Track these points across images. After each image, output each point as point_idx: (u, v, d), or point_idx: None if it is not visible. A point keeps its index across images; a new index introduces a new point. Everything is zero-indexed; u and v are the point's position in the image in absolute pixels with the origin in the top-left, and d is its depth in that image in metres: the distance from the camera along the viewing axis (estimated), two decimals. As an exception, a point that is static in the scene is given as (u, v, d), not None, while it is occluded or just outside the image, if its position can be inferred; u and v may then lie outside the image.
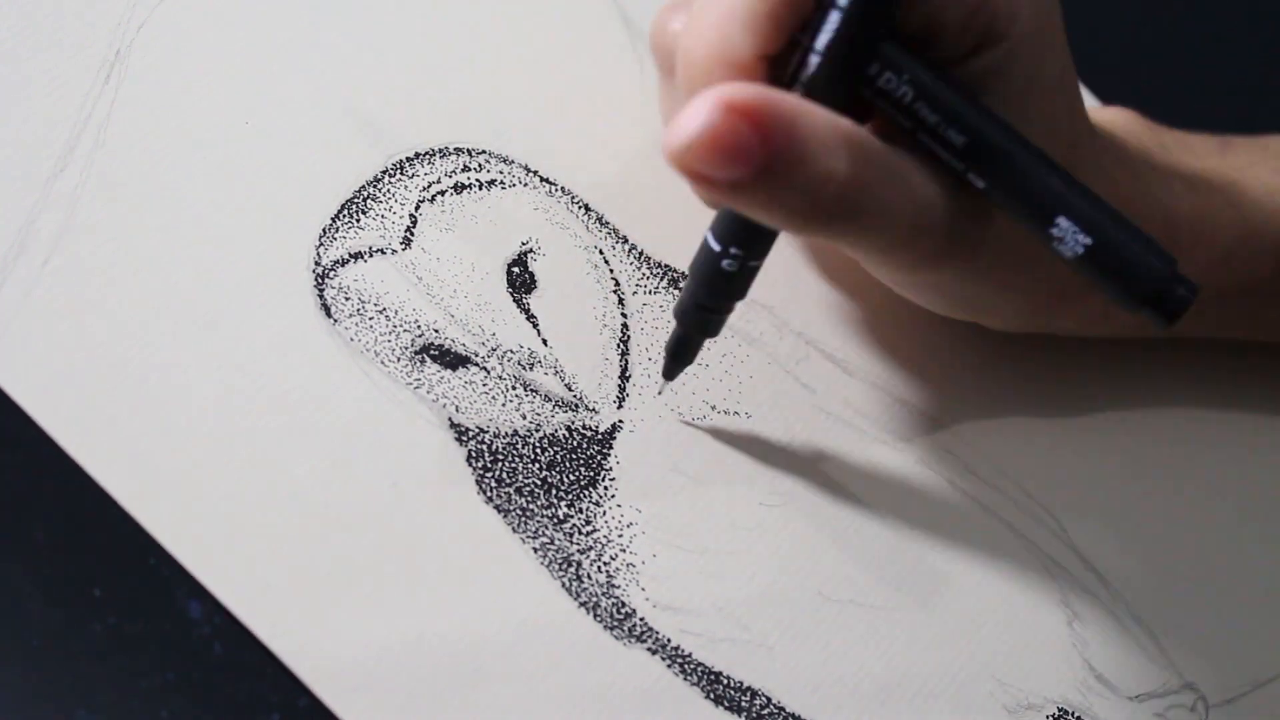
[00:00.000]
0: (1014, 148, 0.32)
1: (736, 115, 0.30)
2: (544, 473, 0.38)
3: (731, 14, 0.32)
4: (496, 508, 0.37)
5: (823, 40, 0.31)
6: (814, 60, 0.32)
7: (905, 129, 0.33)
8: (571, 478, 0.38)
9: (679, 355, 0.37)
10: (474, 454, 0.37)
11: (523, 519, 0.37)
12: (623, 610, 0.37)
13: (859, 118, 0.33)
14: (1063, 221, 0.32)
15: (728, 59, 0.32)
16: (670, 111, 0.38)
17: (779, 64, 0.33)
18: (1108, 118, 0.40)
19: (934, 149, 0.33)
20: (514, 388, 0.38)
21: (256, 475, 0.36)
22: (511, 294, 0.39)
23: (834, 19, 0.31)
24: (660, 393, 0.39)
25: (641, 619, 0.37)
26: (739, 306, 0.36)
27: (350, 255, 0.39)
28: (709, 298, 0.35)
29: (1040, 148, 0.33)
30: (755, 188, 0.30)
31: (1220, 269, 0.39)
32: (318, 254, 0.39)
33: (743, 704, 0.36)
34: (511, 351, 0.39)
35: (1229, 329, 0.42)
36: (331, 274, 0.39)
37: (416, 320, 0.38)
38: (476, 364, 0.38)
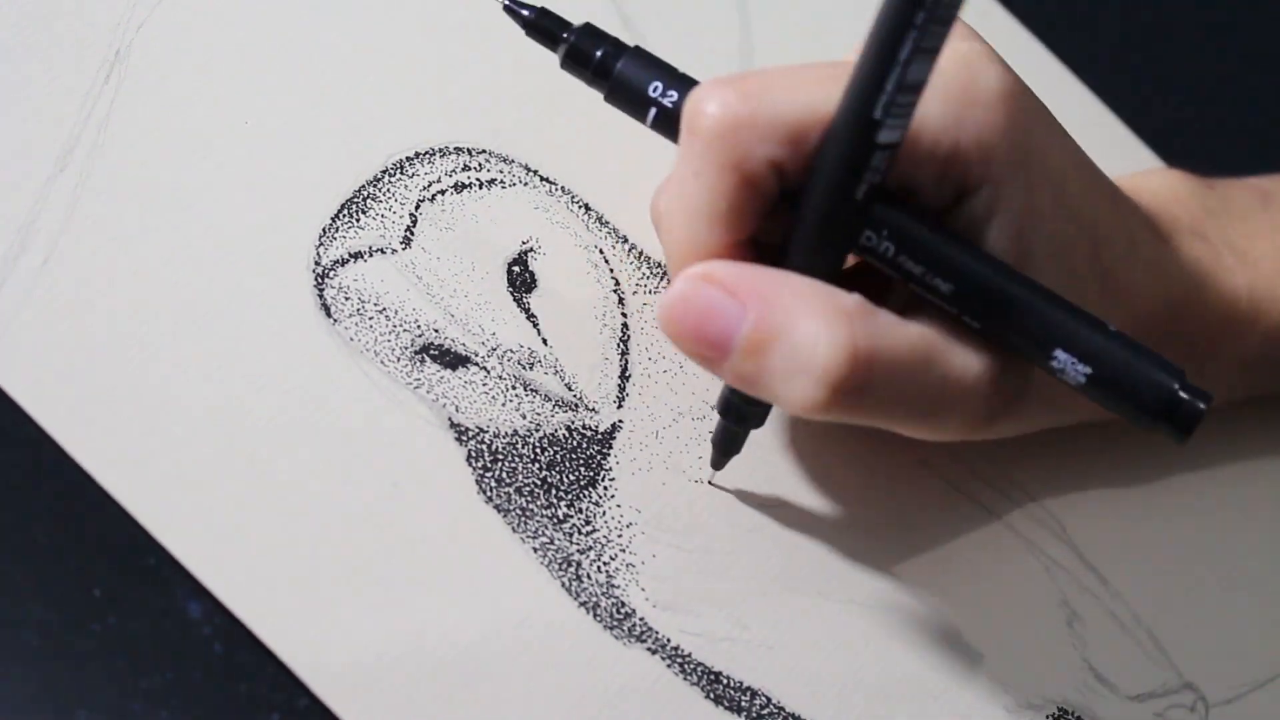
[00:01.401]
0: (1003, 285, 0.32)
1: (713, 285, 0.31)
2: (544, 472, 0.38)
3: (698, 211, 0.32)
4: (496, 508, 0.37)
5: (808, 210, 0.32)
6: (800, 231, 0.32)
7: (901, 280, 0.33)
8: (571, 478, 0.38)
9: (726, 449, 0.37)
10: (474, 454, 0.37)
11: (523, 519, 0.37)
12: (622, 610, 0.37)
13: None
14: (1060, 354, 0.32)
15: (701, 253, 0.32)
16: None
17: (769, 240, 0.33)
18: (1153, 186, 0.40)
19: (927, 298, 0.33)
20: (514, 387, 0.38)
21: (256, 475, 0.36)
22: (511, 293, 0.39)
23: (818, 186, 0.31)
24: (710, 481, 0.38)
25: (641, 619, 0.37)
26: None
27: (350, 255, 0.39)
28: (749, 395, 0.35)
29: (1032, 279, 0.32)
30: (746, 359, 0.31)
31: (1277, 339, 0.39)
32: (318, 254, 0.39)
33: (743, 704, 0.36)
34: (511, 351, 0.39)
35: None
36: (331, 274, 0.39)
37: (416, 320, 0.38)
38: (476, 364, 0.38)
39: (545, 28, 0.36)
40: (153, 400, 0.36)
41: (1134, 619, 0.40)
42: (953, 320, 0.33)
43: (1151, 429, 0.33)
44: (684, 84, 0.35)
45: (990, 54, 0.33)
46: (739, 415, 0.36)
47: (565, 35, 0.36)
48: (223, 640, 0.35)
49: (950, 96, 0.32)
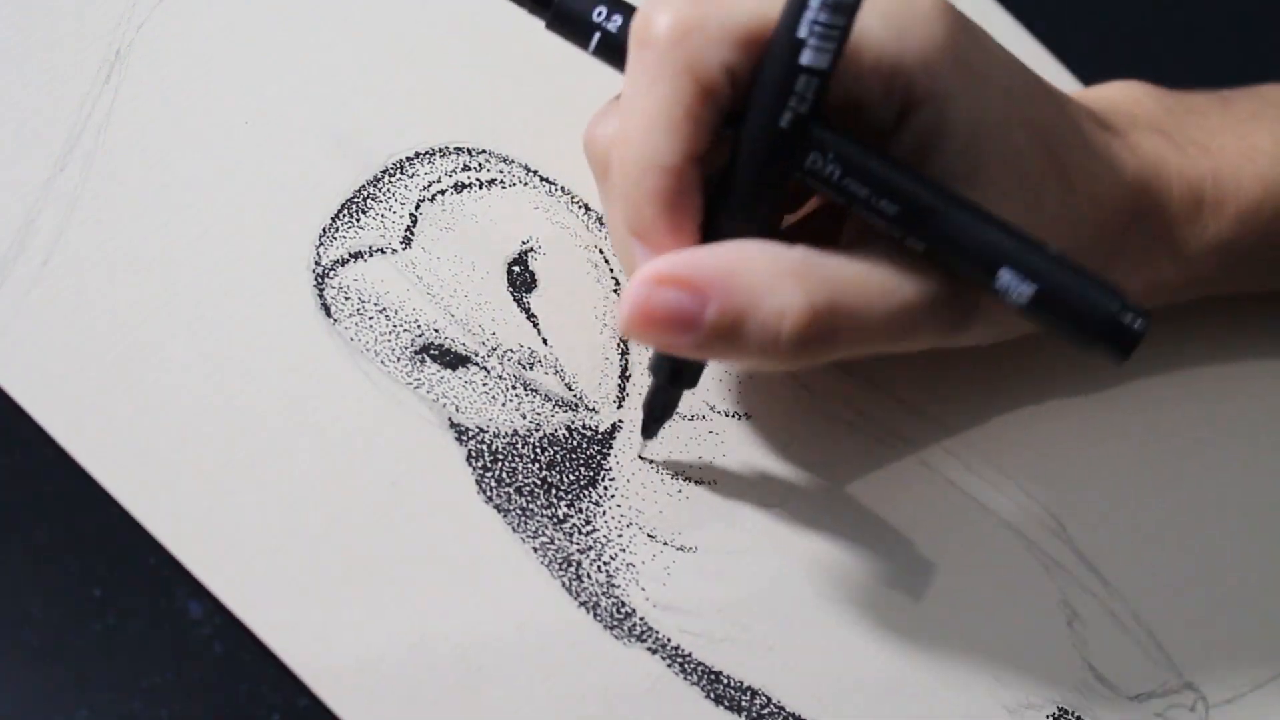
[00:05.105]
0: (947, 207, 0.32)
1: (670, 285, 0.31)
2: (544, 472, 0.38)
3: (655, 121, 0.32)
4: (496, 507, 0.37)
5: (744, 139, 0.31)
6: (745, 155, 0.32)
7: (843, 206, 0.33)
8: (571, 477, 0.38)
9: (657, 412, 0.37)
10: (474, 454, 0.37)
11: (523, 519, 0.37)
12: (623, 610, 0.37)
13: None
14: (1004, 274, 0.32)
15: (657, 164, 0.32)
16: (610, 213, 0.36)
17: (713, 157, 0.33)
18: (1110, 93, 0.40)
19: (872, 221, 0.32)
20: (514, 387, 0.38)
21: (256, 475, 0.36)
22: (512, 293, 0.39)
23: (759, 107, 0.31)
24: (641, 454, 0.38)
25: (641, 619, 0.37)
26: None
27: (350, 255, 0.39)
28: None
29: (976, 202, 0.32)
30: (714, 342, 0.31)
31: (1249, 223, 0.39)
32: (318, 254, 0.39)
33: (743, 703, 0.37)
34: (511, 351, 0.39)
35: (1261, 283, 0.42)
36: (331, 274, 0.39)
37: (416, 320, 0.39)
38: (476, 364, 0.38)
39: None
40: (152, 400, 0.36)
41: (1134, 619, 0.40)
42: (899, 247, 0.33)
43: (1089, 349, 0.32)
44: (627, 9, 0.34)
45: None
46: (672, 374, 0.36)
47: None
48: (223, 640, 0.35)
49: (889, 12, 0.32)
